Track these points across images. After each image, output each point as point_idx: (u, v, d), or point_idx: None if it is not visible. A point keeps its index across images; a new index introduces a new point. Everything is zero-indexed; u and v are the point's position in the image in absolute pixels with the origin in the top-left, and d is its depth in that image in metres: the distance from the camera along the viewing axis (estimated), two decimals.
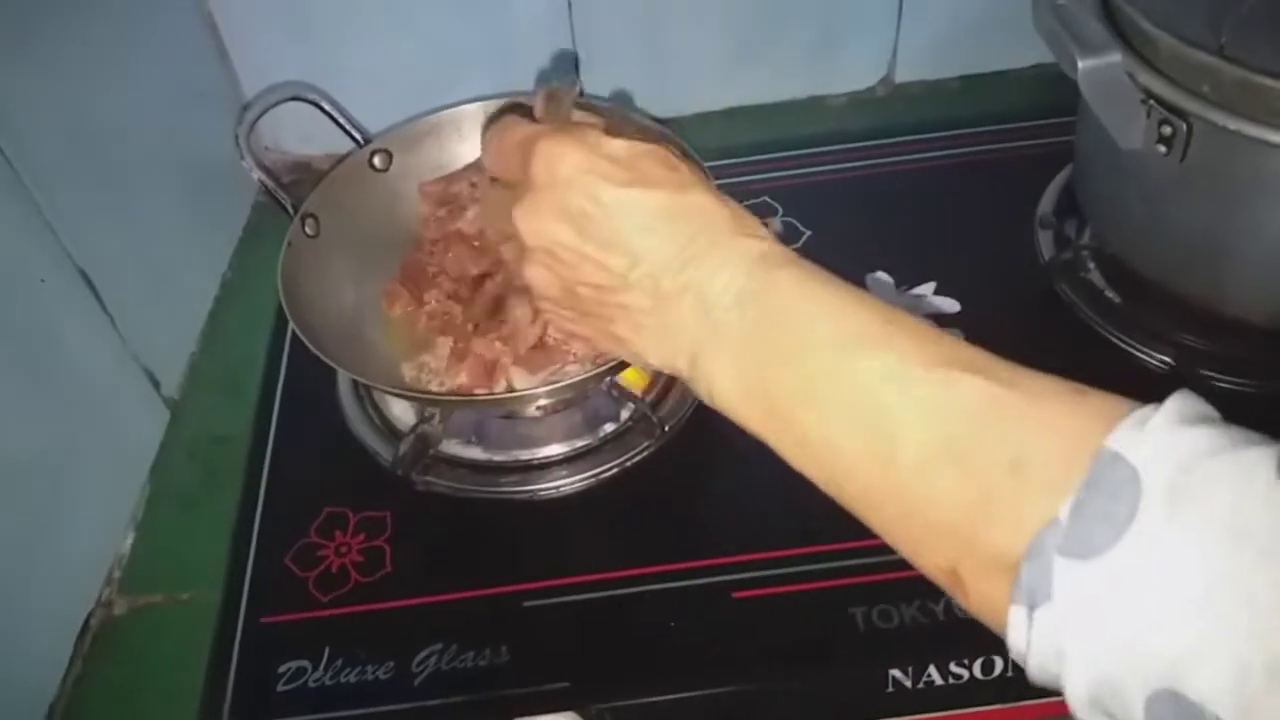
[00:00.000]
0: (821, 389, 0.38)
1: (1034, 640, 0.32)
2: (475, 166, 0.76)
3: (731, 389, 0.41)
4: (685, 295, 0.42)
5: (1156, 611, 0.29)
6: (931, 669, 0.58)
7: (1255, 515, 0.28)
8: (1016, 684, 0.58)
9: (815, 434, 0.38)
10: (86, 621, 0.65)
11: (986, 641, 0.55)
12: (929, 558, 0.36)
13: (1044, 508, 0.32)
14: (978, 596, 0.35)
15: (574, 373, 0.66)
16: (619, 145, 0.44)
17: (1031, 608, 0.32)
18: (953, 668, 0.58)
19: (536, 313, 0.69)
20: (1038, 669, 0.33)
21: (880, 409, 0.36)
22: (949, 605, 0.59)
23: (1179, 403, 0.32)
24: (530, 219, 0.45)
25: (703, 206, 0.43)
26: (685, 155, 0.71)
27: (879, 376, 0.37)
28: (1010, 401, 0.34)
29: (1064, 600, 0.31)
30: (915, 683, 0.58)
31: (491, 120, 0.60)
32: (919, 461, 0.35)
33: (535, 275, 0.47)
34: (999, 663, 0.58)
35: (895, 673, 0.58)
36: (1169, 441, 0.31)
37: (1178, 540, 0.29)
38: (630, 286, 0.43)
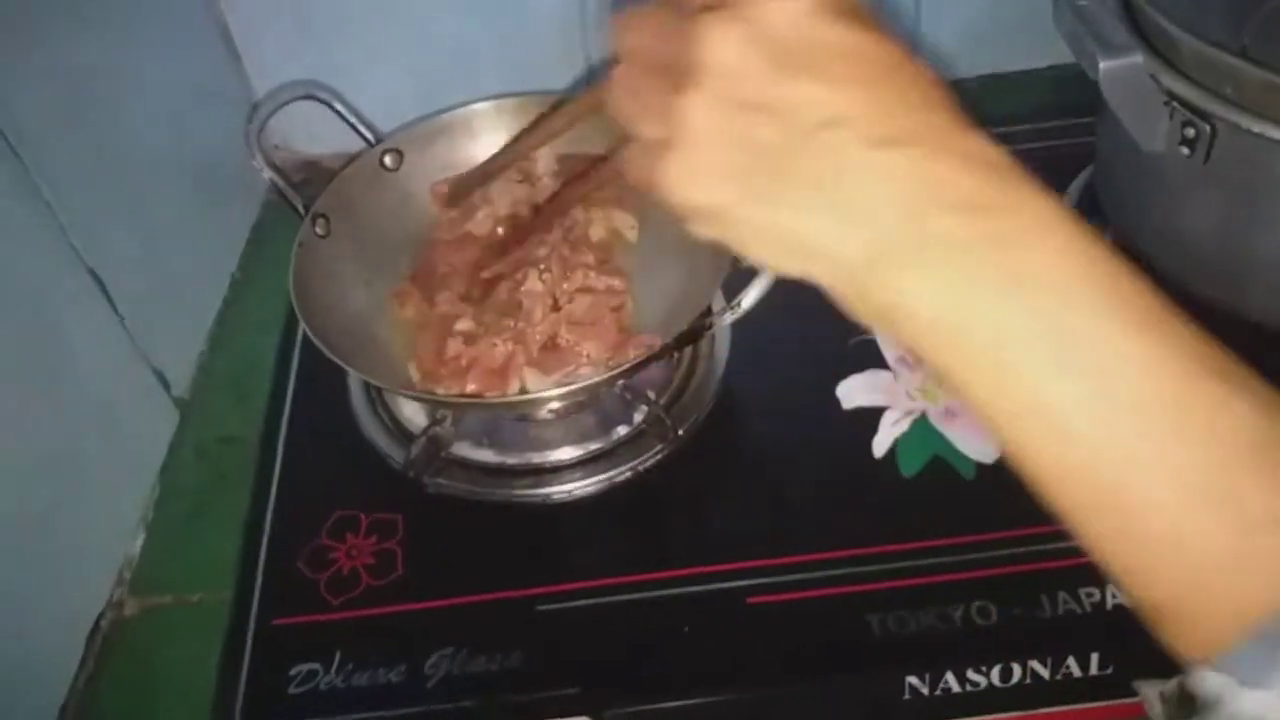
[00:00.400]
0: (1065, 345, 0.31)
1: (1236, 710, 0.28)
2: (485, 166, 0.75)
3: (928, 308, 0.32)
4: (901, 177, 0.32)
5: None
6: (949, 676, 0.57)
7: None
8: (1034, 691, 0.57)
9: (1031, 389, 0.31)
10: (97, 622, 0.65)
11: (1005, 649, 0.55)
12: (1137, 586, 0.32)
13: None
14: (1176, 640, 0.31)
15: (587, 375, 0.66)
16: None
17: (1241, 682, 0.28)
18: (970, 675, 0.57)
19: (545, 312, 0.69)
20: None
21: (1123, 398, 0.30)
22: (966, 612, 0.59)
23: None
24: (719, 31, 0.34)
25: (927, 80, 0.34)
26: None
27: (1157, 367, 0.30)
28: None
29: None
30: (933, 690, 0.58)
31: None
32: (1176, 487, 0.30)
33: (695, 108, 0.35)
34: (1017, 670, 0.57)
35: (912, 680, 0.57)
36: None
37: None
38: (829, 141, 0.33)
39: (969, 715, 0.59)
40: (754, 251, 0.37)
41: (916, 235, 0.32)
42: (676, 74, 0.35)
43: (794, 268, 0.36)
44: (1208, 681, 0.29)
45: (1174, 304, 0.31)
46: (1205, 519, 0.29)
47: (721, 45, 0.34)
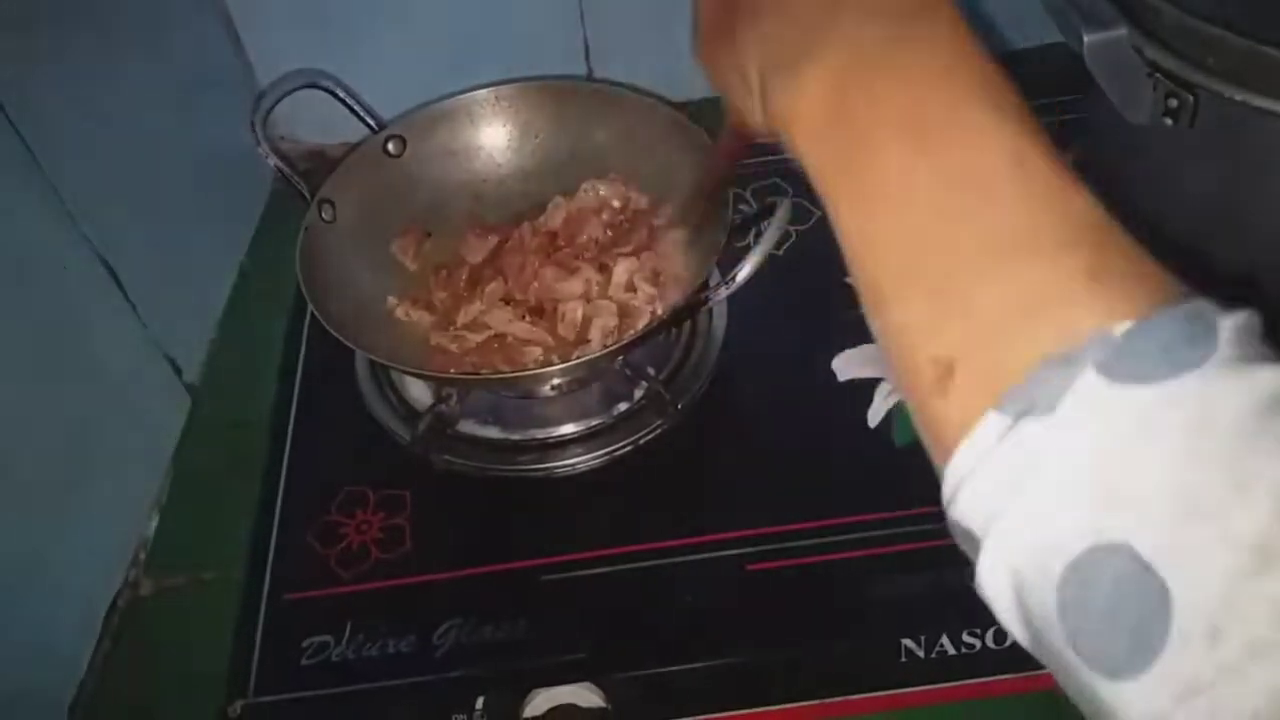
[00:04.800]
0: (931, 132, 0.33)
1: (999, 453, 0.29)
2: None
3: (818, 105, 0.35)
4: None
5: (1163, 462, 0.26)
6: (944, 639, 0.58)
7: None
8: (1029, 654, 0.58)
9: (895, 173, 0.33)
10: (114, 602, 0.66)
11: None
12: (931, 344, 0.32)
13: (1102, 321, 0.28)
14: (958, 397, 0.31)
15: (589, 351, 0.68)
16: None
17: (1018, 416, 0.28)
18: (965, 638, 0.58)
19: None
20: (973, 495, 0.29)
21: (986, 175, 0.32)
22: (960, 576, 0.59)
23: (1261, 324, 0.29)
24: None
25: None
26: (697, 135, 0.72)
27: (1005, 150, 0.32)
28: (1116, 231, 0.31)
29: (1070, 417, 0.27)
30: (928, 653, 0.59)
31: None
32: (994, 238, 0.31)
33: None
34: None
35: (908, 643, 0.58)
36: (1254, 334, 0.28)
37: (1233, 409, 0.26)
38: None
39: (964, 678, 0.60)
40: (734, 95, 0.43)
41: (824, 39, 0.35)
42: None
43: (748, 102, 0.41)
44: (978, 439, 0.29)
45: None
46: (1031, 269, 0.30)
47: None
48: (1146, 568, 0.26)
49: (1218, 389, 0.27)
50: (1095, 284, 0.29)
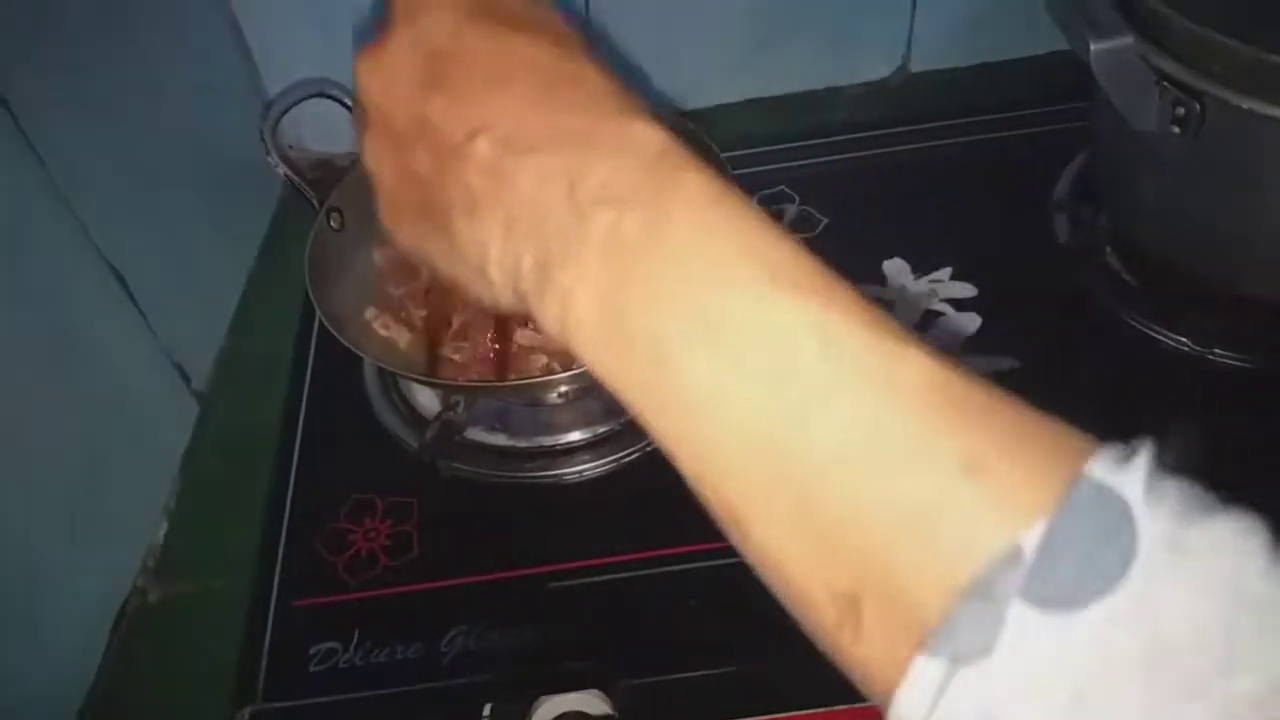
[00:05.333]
0: (725, 331, 0.28)
1: (945, 706, 0.24)
2: None
3: (593, 314, 0.30)
4: (552, 179, 0.31)
5: (1137, 691, 0.23)
6: None
7: (1259, 581, 0.24)
8: None
9: (701, 385, 0.28)
10: (122, 609, 0.66)
11: None
12: (821, 577, 0.27)
13: (1003, 533, 0.24)
14: (874, 638, 0.26)
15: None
16: None
17: (954, 661, 0.24)
18: None
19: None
20: None
21: (799, 368, 0.27)
22: None
23: (1155, 448, 0.25)
24: (366, 65, 0.35)
25: (590, 77, 0.32)
26: (703, 145, 0.72)
27: (807, 328, 0.27)
28: (969, 392, 0.26)
29: (1013, 660, 0.24)
30: None
31: None
32: (839, 442, 0.26)
33: (371, 151, 0.36)
34: None
35: None
36: (1165, 485, 0.24)
37: (1182, 602, 0.23)
38: (474, 154, 0.32)
39: None
40: (459, 279, 0.36)
41: (578, 236, 0.30)
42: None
43: (490, 292, 0.34)
44: (915, 688, 0.25)
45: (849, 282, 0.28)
46: (896, 476, 0.26)
47: (370, 79, 0.34)
48: None
49: (1158, 595, 0.24)
50: (975, 479, 0.25)
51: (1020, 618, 0.23)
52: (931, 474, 0.25)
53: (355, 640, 0.62)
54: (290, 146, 0.96)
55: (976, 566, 0.24)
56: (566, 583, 0.63)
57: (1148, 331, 0.72)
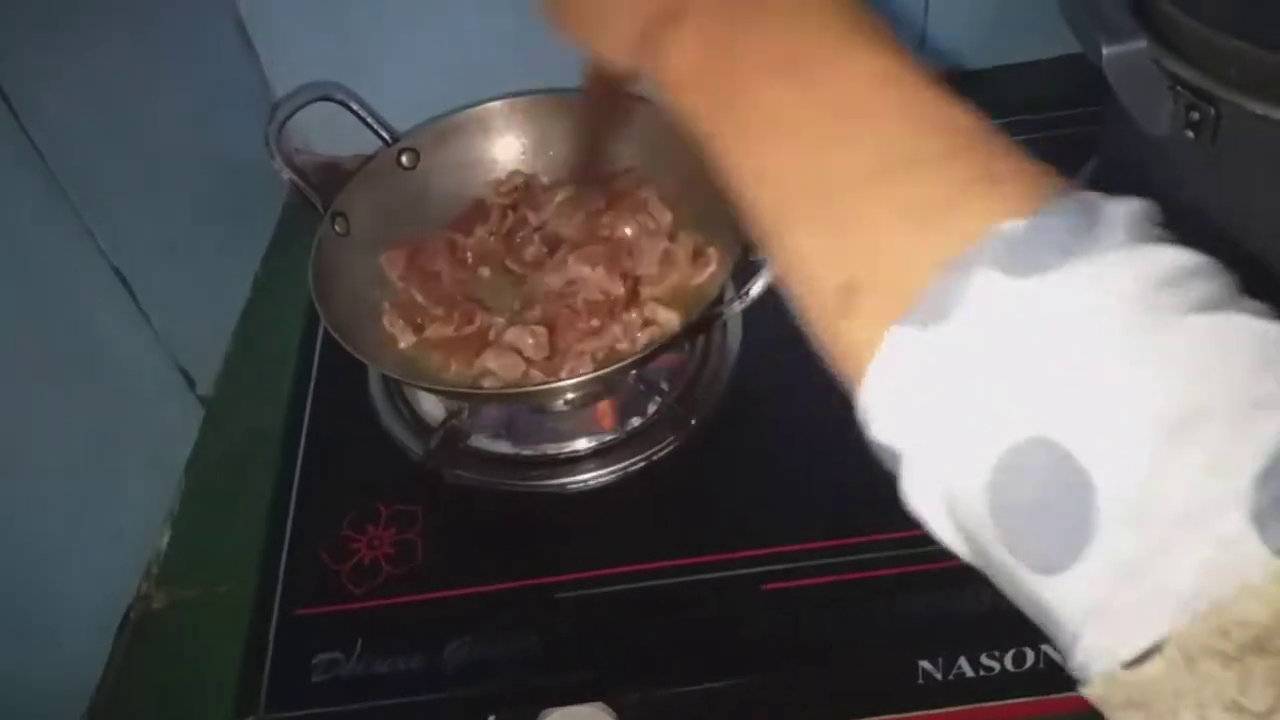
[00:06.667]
0: (806, 67, 0.34)
1: (910, 366, 0.29)
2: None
3: (691, 57, 0.37)
4: None
5: (1068, 349, 0.26)
6: (962, 661, 0.58)
7: (1193, 276, 0.27)
8: (1047, 676, 0.57)
9: (775, 107, 0.34)
10: (126, 614, 0.66)
11: (1018, 633, 0.55)
12: (831, 265, 0.32)
13: (990, 223, 0.28)
14: (865, 322, 0.30)
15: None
16: None
17: (921, 327, 0.28)
18: (984, 660, 0.58)
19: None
20: (890, 412, 0.30)
21: (864, 97, 0.33)
22: (979, 596, 0.59)
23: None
24: None
25: None
26: None
27: (876, 74, 0.34)
28: (999, 138, 0.32)
29: (974, 316, 0.27)
30: (946, 675, 0.58)
31: None
32: (881, 153, 0.32)
33: None
34: (1030, 655, 0.57)
35: (925, 664, 0.58)
36: (1139, 205, 0.29)
37: (1125, 276, 0.27)
38: None
39: (982, 700, 0.59)
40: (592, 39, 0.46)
41: None
42: None
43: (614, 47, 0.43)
44: (890, 354, 0.29)
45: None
46: (917, 186, 0.31)
47: None
48: (1067, 457, 0.26)
49: (1112, 271, 0.27)
50: (983, 188, 0.30)
51: (988, 282, 0.27)
52: (948, 181, 0.30)
53: (358, 650, 0.61)
54: (297, 150, 0.96)
55: (962, 246, 0.28)
56: (572, 593, 0.62)
57: None
